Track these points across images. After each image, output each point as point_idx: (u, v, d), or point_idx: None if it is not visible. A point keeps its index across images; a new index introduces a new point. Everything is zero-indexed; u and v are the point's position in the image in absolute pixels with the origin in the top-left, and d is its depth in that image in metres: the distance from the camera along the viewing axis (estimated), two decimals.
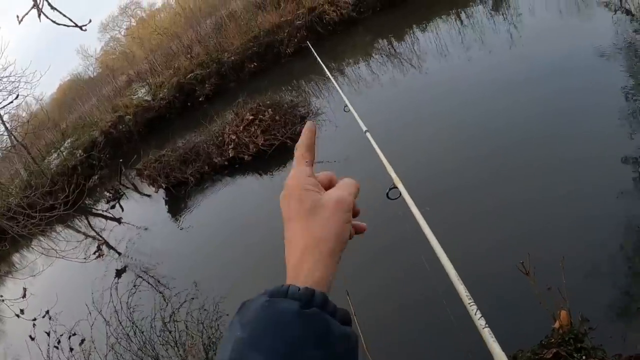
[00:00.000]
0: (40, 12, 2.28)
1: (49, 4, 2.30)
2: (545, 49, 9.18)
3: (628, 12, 8.59)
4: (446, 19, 14.55)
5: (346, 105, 5.55)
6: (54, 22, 2.36)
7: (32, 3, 2.27)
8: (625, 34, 8.11)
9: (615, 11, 8.89)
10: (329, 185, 0.81)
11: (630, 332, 3.71)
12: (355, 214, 0.80)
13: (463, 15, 14.06)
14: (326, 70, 8.89)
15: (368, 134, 4.46)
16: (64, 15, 2.36)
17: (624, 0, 8.83)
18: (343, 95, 6.11)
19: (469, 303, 2.23)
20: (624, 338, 3.68)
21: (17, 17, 2.36)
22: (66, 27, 2.49)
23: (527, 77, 8.41)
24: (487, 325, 2.07)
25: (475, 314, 2.15)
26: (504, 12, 12.79)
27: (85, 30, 2.53)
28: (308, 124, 0.85)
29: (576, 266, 4.12)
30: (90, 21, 2.52)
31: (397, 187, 3.34)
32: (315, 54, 10.52)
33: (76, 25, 2.45)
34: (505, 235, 5.32)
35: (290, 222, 0.77)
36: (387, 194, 3.32)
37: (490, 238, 5.38)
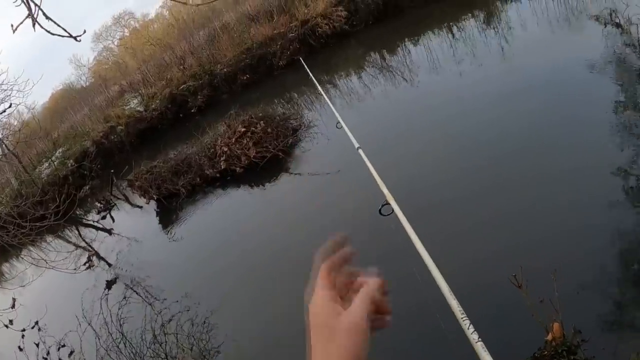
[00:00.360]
0: (34, 21, 2.27)
1: (44, 14, 2.29)
2: (536, 61, 9.30)
3: (618, 25, 8.69)
4: (438, 32, 14.73)
5: (338, 122, 5.60)
6: (48, 32, 2.35)
7: (26, 12, 2.28)
8: (616, 46, 8.23)
9: (606, 24, 9.00)
10: (357, 285, 0.85)
11: (622, 343, 3.73)
12: (384, 311, 0.85)
13: (455, 29, 14.20)
14: (319, 87, 8.98)
15: (360, 151, 4.50)
16: (59, 26, 2.36)
17: (614, 13, 8.92)
18: (335, 112, 6.18)
19: (462, 317, 2.25)
20: (615, 349, 3.69)
21: (12, 26, 2.36)
22: (60, 37, 2.49)
23: (518, 90, 8.52)
24: (480, 340, 2.08)
25: (468, 329, 2.16)
26: (495, 26, 12.93)
27: (80, 40, 2.53)
28: (340, 237, 0.89)
29: (568, 278, 4.13)
30: (84, 32, 2.52)
31: (389, 204, 3.37)
32: (308, 70, 10.59)
33: (70, 36, 2.45)
34: (497, 248, 5.34)
35: (313, 348, 0.80)
36: (380, 210, 3.35)
37: (483, 250, 5.39)
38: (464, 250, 5.50)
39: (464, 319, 2.25)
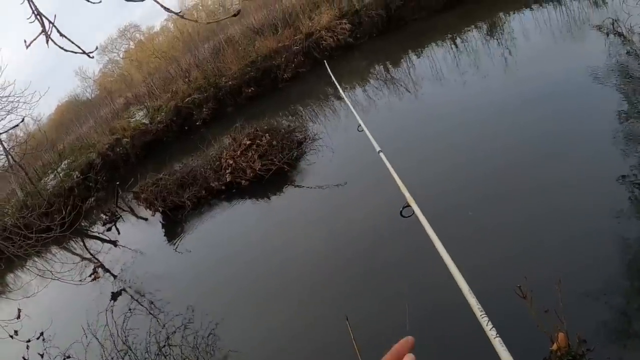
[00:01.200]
0: (48, 38, 2.32)
1: (58, 31, 2.34)
2: (540, 72, 9.34)
3: (620, 34, 8.75)
4: (441, 44, 14.82)
5: (359, 125, 5.69)
6: (61, 48, 2.40)
7: (39, 29, 2.34)
8: (619, 56, 8.28)
9: (608, 34, 9.06)
10: None
11: (627, 352, 3.74)
12: None
13: (458, 40, 14.31)
14: (340, 89, 9.07)
15: (382, 154, 4.58)
16: (72, 42, 2.41)
17: (616, 23, 8.98)
18: (357, 115, 6.25)
19: (481, 315, 2.31)
20: (621, 359, 3.71)
21: (25, 41, 2.43)
22: (73, 53, 2.55)
23: (523, 100, 8.55)
24: (498, 335, 2.14)
25: (487, 325, 2.23)
26: (499, 37, 13.02)
27: (93, 57, 2.59)
28: (406, 343, 0.92)
29: (573, 287, 4.15)
30: (96, 48, 2.57)
31: (410, 206, 3.44)
32: (330, 72, 10.66)
33: (83, 52, 2.51)
34: (501, 256, 5.35)
35: None
36: (401, 212, 3.42)
37: (487, 259, 5.40)
38: (468, 258, 5.52)
39: (483, 316, 2.31)
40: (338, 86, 9.57)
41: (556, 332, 3.65)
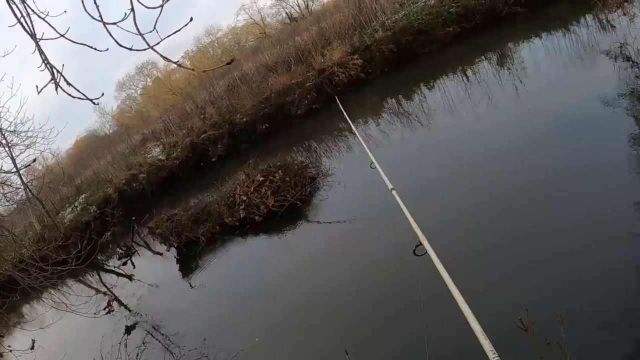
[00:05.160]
0: (57, 85, 2.53)
1: (65, 80, 2.53)
2: (552, 101, 9.37)
3: (629, 58, 8.88)
4: (452, 76, 14.97)
5: (372, 163, 5.82)
6: (69, 95, 2.58)
7: (49, 77, 2.57)
8: (629, 79, 8.31)
9: (616, 59, 9.17)
10: None
11: None
12: None
13: (469, 72, 14.47)
14: (353, 127, 9.14)
15: (394, 192, 4.71)
16: (78, 91, 2.61)
17: (624, 47, 9.13)
18: (369, 153, 6.36)
19: (493, 358, 2.41)
20: None
21: (37, 87, 2.67)
22: (80, 100, 2.75)
23: (533, 133, 8.59)
24: None
25: None
26: (509, 67, 13.14)
27: (98, 104, 2.84)
28: None
29: (575, 320, 4.20)
30: (102, 94, 2.72)
31: (422, 244, 3.58)
32: (343, 109, 10.71)
33: (89, 99, 2.69)
34: (502, 290, 5.44)
35: None
36: (414, 250, 3.57)
37: (489, 294, 5.45)
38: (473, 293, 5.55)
39: (495, 357, 2.40)
40: (351, 123, 9.71)
41: None
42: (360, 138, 9.30)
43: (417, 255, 3.57)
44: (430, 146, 11.24)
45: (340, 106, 11.22)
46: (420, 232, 3.80)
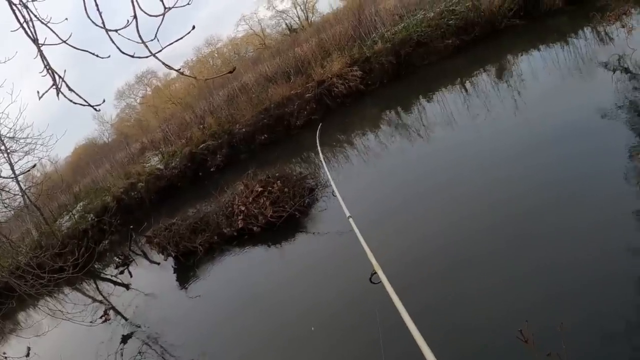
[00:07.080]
0: (58, 91, 2.52)
1: (67, 85, 2.52)
2: (550, 113, 9.40)
3: (627, 70, 8.92)
4: (451, 88, 15.04)
5: (334, 190, 5.77)
6: (70, 100, 2.57)
7: (50, 82, 2.56)
8: (626, 91, 8.37)
9: (614, 70, 9.22)
10: None
11: None
12: None
13: (468, 84, 14.52)
14: (321, 155, 9.07)
15: (351, 220, 4.66)
16: (79, 96, 2.60)
17: (622, 59, 9.17)
18: (331, 180, 6.27)
19: None
20: None
21: (38, 92, 2.66)
22: (81, 106, 2.74)
23: (529, 146, 8.61)
24: None
25: None
26: (508, 79, 13.21)
27: (99, 110, 2.80)
28: None
29: (575, 332, 4.20)
30: (104, 101, 2.72)
31: (377, 273, 3.57)
32: (317, 139, 10.66)
33: (90, 105, 2.69)
34: (499, 306, 5.36)
35: None
36: (370, 278, 3.55)
37: (486, 309, 5.43)
38: (470, 306, 5.53)
39: None
40: (320, 152, 9.49)
41: None
42: (325, 167, 9.07)
43: (373, 283, 3.55)
44: (427, 155, 11.26)
45: (317, 134, 11.11)
46: (375, 261, 3.77)
